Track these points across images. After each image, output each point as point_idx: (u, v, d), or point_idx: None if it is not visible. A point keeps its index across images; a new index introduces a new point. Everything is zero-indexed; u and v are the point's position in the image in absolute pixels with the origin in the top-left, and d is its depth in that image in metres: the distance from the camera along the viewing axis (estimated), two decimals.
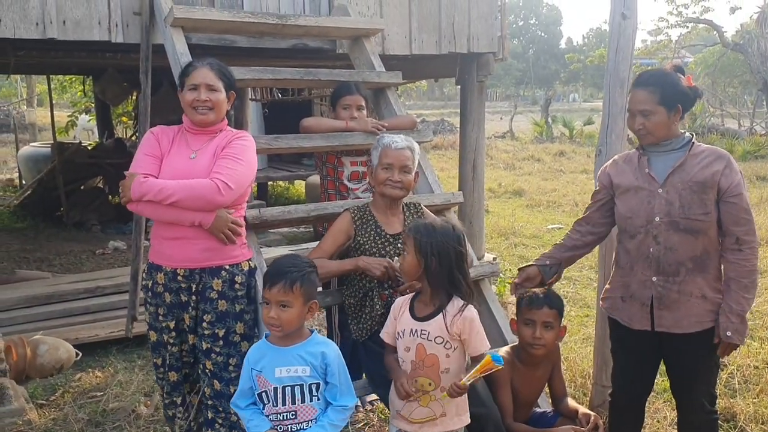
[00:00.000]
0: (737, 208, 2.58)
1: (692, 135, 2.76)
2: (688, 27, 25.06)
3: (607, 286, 3.01)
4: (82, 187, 9.71)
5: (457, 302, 2.49)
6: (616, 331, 2.95)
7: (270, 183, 11.16)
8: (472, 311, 2.48)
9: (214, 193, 2.65)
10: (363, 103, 3.75)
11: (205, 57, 2.89)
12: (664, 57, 23.37)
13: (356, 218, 2.94)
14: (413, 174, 2.93)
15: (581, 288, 6.38)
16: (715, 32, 23.43)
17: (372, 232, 2.92)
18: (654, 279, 2.72)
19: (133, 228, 4.25)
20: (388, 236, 2.93)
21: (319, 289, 2.74)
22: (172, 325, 2.86)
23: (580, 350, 4.67)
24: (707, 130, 19.67)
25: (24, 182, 11.37)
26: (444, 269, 2.46)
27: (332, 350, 2.43)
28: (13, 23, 3.67)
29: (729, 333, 2.62)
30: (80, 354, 4.46)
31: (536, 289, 2.85)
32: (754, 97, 24.57)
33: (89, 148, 10.65)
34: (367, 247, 2.89)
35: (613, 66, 3.50)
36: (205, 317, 2.82)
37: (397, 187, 2.88)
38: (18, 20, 3.68)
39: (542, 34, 69.68)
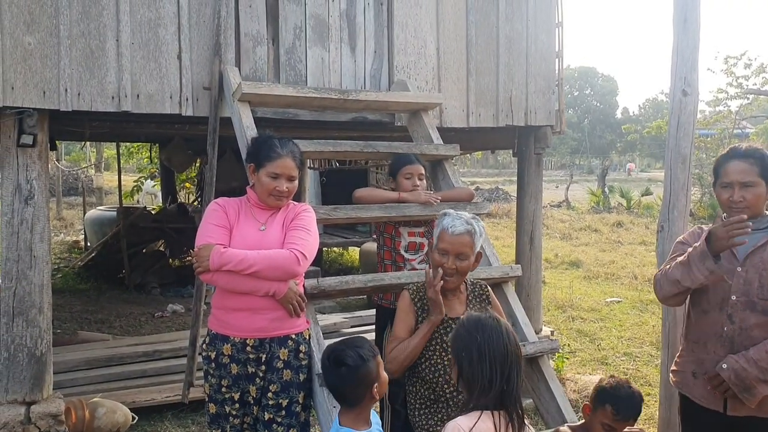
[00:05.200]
0: None
1: None
2: (748, 98, 24.71)
3: (676, 359, 2.90)
4: (144, 251, 9.99)
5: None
6: (687, 409, 2.83)
7: (325, 249, 11.28)
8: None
9: (294, 263, 2.73)
10: (423, 172, 3.81)
11: (284, 141, 2.94)
12: (723, 128, 23.01)
13: (416, 299, 2.80)
14: (473, 257, 2.74)
15: (642, 365, 6.18)
16: None
17: None
18: None
19: (194, 294, 4.33)
20: (447, 320, 2.73)
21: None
22: (236, 396, 2.86)
23: None
24: None
25: (89, 244, 11.77)
26: (473, 374, 2.13)
27: None
28: (90, 97, 3.89)
29: (725, 366, 2.52)
30: (136, 418, 4.51)
31: (633, 391, 2.65)
32: None
33: (153, 212, 11.01)
34: None
35: (674, 142, 3.48)
36: (270, 387, 2.83)
37: (451, 274, 2.72)
38: (95, 94, 3.90)
39: (598, 104, 69.72)
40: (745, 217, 2.49)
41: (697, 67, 3.41)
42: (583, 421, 2.83)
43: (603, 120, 66.84)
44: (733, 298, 2.60)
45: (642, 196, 24.16)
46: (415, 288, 2.86)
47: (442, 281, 2.69)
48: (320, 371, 2.81)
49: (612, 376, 2.81)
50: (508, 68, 5.17)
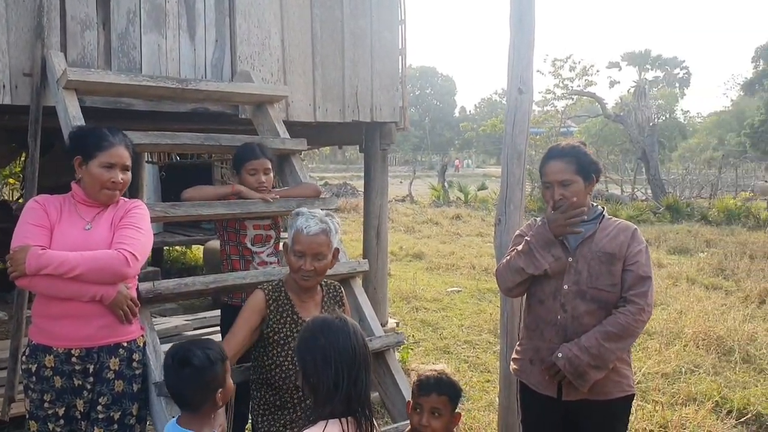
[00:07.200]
0: (633, 275, 2.67)
1: (603, 208, 2.86)
2: (573, 99, 26.81)
3: (517, 347, 3.00)
4: None
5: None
6: (525, 396, 2.94)
7: (166, 248, 10.76)
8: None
9: (122, 264, 2.53)
10: (269, 166, 3.66)
11: (113, 129, 2.75)
12: (551, 126, 24.78)
13: (270, 300, 2.71)
14: (330, 255, 2.69)
15: (481, 352, 6.44)
16: (597, 104, 25.13)
17: (287, 318, 2.70)
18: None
19: (15, 299, 3.94)
20: (301, 323, 2.65)
21: None
22: (61, 412, 2.60)
23: (482, 418, 4.66)
24: (593, 196, 20.79)
25: None
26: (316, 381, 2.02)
27: None
28: None
29: (560, 355, 2.66)
30: None
31: (429, 373, 2.62)
32: (634, 165, 26.36)
33: None
34: (282, 335, 2.67)
35: (510, 138, 3.62)
36: (100, 400, 2.61)
37: (309, 276, 2.66)
38: None
39: (438, 103, 72.54)
40: (575, 199, 2.68)
41: (532, 66, 3.57)
42: None
43: (442, 118, 69.66)
44: (565, 287, 2.73)
45: (478, 190, 25.50)
46: (270, 287, 2.76)
47: None
48: (157, 380, 2.65)
49: None
50: (353, 64, 5.17)
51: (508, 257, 2.88)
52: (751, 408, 4.78)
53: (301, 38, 4.88)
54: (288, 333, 2.66)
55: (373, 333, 3.37)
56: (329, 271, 3.17)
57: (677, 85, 59.22)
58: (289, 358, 2.63)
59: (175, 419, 2.35)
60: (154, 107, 4.20)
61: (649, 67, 57.89)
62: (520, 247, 2.81)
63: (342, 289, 2.98)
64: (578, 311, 2.71)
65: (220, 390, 2.31)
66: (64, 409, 2.61)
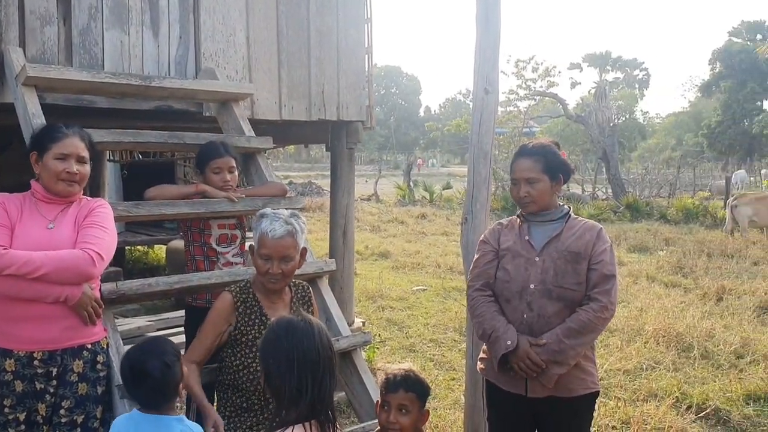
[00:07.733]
0: (598, 273, 2.70)
1: (569, 207, 2.90)
2: (535, 100, 27.15)
3: (484, 347, 3.00)
4: None
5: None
6: (491, 394, 2.95)
7: (127, 248, 10.58)
8: None
9: (88, 264, 2.47)
10: (234, 164, 3.62)
11: (69, 123, 2.72)
12: (514, 126, 25.03)
13: (238, 302, 2.67)
14: (297, 256, 2.67)
15: (446, 350, 6.47)
16: (559, 105, 25.48)
17: (256, 320, 2.66)
18: None
19: None
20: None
21: None
22: (22, 417, 2.53)
23: (448, 416, 4.67)
24: None
25: None
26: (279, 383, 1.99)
27: None
28: None
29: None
30: None
31: (396, 371, 2.64)
32: (595, 164, 26.75)
33: None
34: (250, 336, 2.64)
35: (476, 138, 3.64)
36: (63, 403, 2.55)
37: (277, 279, 2.64)
38: None
39: (403, 103, 72.84)
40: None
41: (498, 66, 3.59)
42: None
43: (407, 118, 69.95)
44: (532, 286, 2.75)
45: (443, 189, 25.65)
46: (238, 289, 2.72)
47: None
48: (120, 383, 2.60)
49: None
50: (319, 62, 5.14)
51: (479, 309, 2.85)
52: (710, 403, 4.88)
53: (266, 35, 4.84)
54: (256, 334, 2.62)
55: (341, 333, 3.36)
56: (297, 271, 3.17)
57: (637, 86, 60.39)
58: (257, 360, 2.60)
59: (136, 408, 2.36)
60: (117, 105, 4.12)
61: (609, 69, 58.91)
62: (487, 326, 2.78)
63: (311, 289, 2.96)
64: (544, 310, 2.73)
65: (181, 384, 2.34)
66: (25, 414, 2.54)
